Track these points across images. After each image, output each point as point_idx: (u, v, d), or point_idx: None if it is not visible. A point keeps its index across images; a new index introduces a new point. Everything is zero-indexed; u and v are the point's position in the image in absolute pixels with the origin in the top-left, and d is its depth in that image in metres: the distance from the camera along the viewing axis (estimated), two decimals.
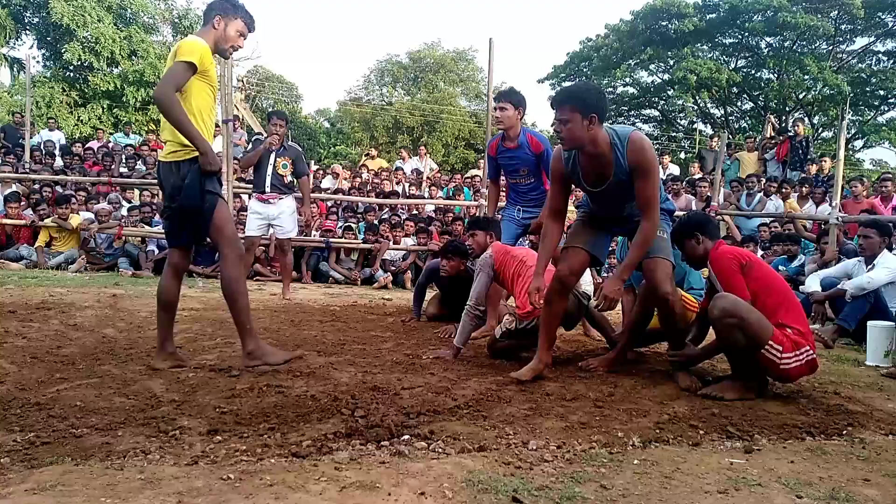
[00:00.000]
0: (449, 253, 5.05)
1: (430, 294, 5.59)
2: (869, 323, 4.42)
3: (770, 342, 2.94)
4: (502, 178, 4.93)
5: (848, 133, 22.53)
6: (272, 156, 6.17)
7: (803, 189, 9.05)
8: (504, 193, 5.07)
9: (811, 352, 3.02)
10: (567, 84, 3.39)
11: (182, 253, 3.29)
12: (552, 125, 2.98)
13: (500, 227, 4.59)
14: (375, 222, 8.90)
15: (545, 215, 3.46)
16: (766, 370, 3.02)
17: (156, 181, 4.01)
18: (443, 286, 5.45)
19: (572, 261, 3.22)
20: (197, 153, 2.98)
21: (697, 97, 25.81)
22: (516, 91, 4.67)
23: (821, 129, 26.18)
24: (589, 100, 2.81)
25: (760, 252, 7.63)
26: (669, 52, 24.84)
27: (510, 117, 4.54)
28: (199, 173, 3.00)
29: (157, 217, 8.62)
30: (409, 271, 8.31)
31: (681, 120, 30.01)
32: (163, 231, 3.63)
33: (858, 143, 25.83)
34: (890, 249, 5.24)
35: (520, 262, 3.84)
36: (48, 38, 20.04)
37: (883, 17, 22.61)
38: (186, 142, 2.96)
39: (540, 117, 69.70)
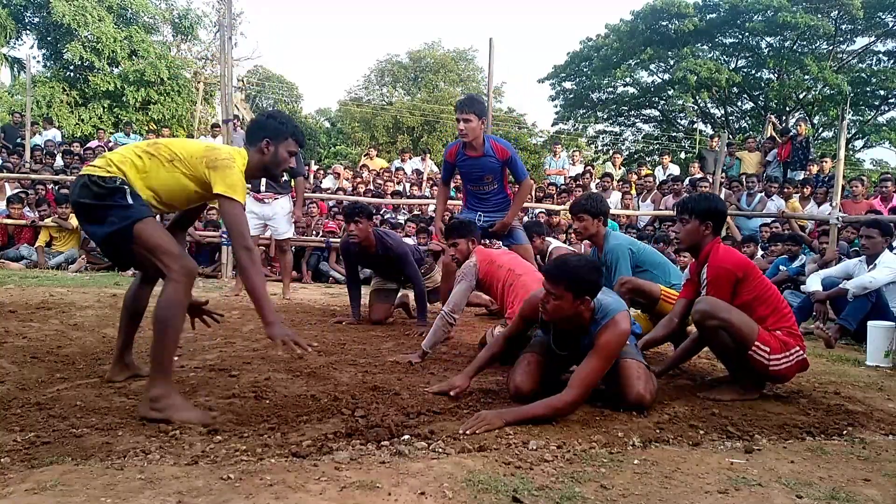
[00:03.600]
0: (354, 215, 4.69)
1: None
2: (869, 323, 4.42)
3: (758, 343, 2.93)
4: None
5: (848, 133, 22.54)
6: None
7: (805, 190, 9.06)
8: (461, 198, 5.01)
9: (801, 352, 3.03)
10: (566, 259, 3.28)
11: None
12: (543, 298, 2.71)
13: (479, 231, 4.42)
14: (376, 223, 8.90)
15: (503, 334, 3.13)
16: (758, 372, 3.01)
17: None
18: (369, 264, 5.13)
19: (529, 372, 2.86)
20: (112, 173, 2.53)
21: (697, 97, 25.80)
22: (478, 100, 4.63)
23: (821, 129, 26.16)
24: (584, 283, 2.61)
25: (760, 252, 7.63)
26: (669, 52, 24.83)
27: (474, 128, 4.45)
28: (103, 192, 2.51)
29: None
30: None
31: (681, 120, 30.00)
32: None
33: (859, 143, 25.80)
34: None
35: (508, 270, 3.80)
36: (49, 38, 20.03)
37: (883, 17, 22.60)
38: (112, 159, 2.58)
39: (541, 117, 69.73)
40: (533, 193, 10.29)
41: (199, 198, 2.75)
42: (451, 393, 2.82)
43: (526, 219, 9.60)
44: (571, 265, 2.66)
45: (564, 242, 7.29)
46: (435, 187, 10.97)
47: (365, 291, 5.29)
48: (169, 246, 2.52)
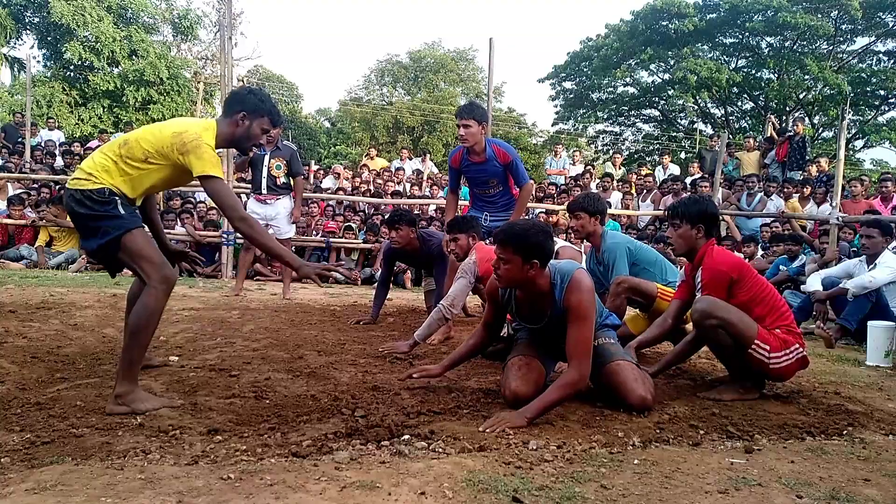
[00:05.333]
0: (395, 223, 4.77)
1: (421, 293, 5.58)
2: (869, 323, 4.42)
3: (757, 341, 2.93)
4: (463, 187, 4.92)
5: (848, 133, 22.52)
6: (266, 157, 6.20)
7: (805, 190, 9.06)
8: (468, 202, 5.06)
9: (801, 349, 3.03)
10: (514, 223, 2.96)
11: None
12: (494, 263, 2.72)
13: (480, 227, 4.45)
14: (377, 222, 8.91)
15: (482, 322, 3.10)
16: (758, 371, 3.01)
17: None
18: (411, 262, 5.23)
19: (523, 376, 2.77)
20: (99, 184, 2.58)
21: (697, 97, 25.80)
22: (478, 105, 4.64)
23: (821, 129, 26.17)
24: (531, 246, 2.59)
25: (761, 252, 7.63)
26: (669, 52, 24.83)
27: (474, 134, 4.46)
28: (96, 205, 2.58)
29: None
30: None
31: (681, 120, 30.01)
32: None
33: (859, 143, 25.80)
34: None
35: None
36: (48, 38, 20.04)
37: (883, 17, 22.60)
38: (92, 171, 2.62)
39: (540, 117, 69.74)
40: (533, 193, 10.29)
41: (183, 179, 2.80)
42: (416, 376, 2.90)
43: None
44: (519, 228, 2.65)
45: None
46: (435, 187, 11.00)
47: (397, 294, 5.30)
48: (151, 255, 2.61)
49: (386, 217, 9.15)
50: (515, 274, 2.64)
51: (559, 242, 5.68)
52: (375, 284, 5.35)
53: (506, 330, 3.58)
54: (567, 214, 8.37)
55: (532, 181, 5.09)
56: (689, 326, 3.56)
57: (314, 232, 9.10)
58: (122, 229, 2.57)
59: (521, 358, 2.87)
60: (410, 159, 13.59)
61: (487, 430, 2.34)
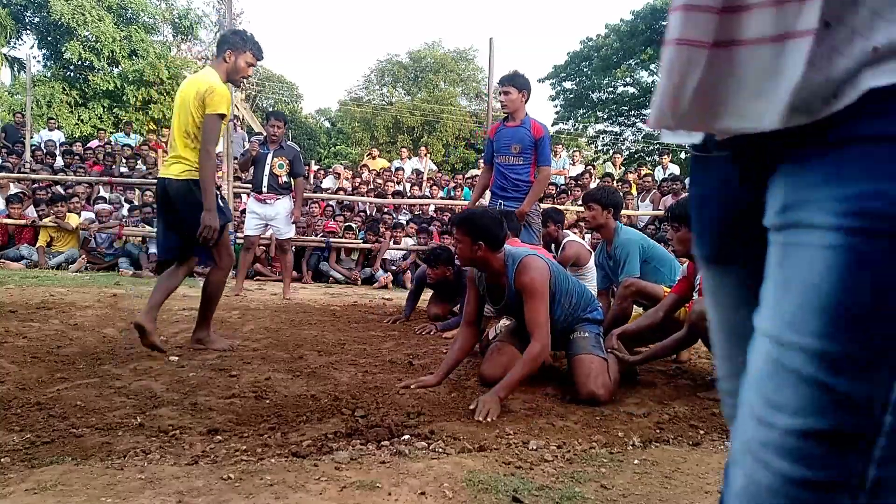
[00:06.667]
0: (432, 262, 5.06)
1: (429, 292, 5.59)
2: None
3: None
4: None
5: None
6: (269, 156, 6.19)
7: None
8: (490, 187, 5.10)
9: None
10: (470, 209, 4.06)
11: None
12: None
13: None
14: (376, 220, 8.92)
15: (463, 322, 3.19)
16: None
17: (155, 181, 4.06)
18: (437, 289, 5.45)
19: (492, 360, 3.11)
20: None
21: None
22: (520, 74, 4.70)
23: None
24: (478, 228, 2.86)
25: None
26: None
27: (514, 101, 4.58)
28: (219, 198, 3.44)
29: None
30: (409, 271, 8.31)
31: None
32: (166, 248, 3.70)
33: None
34: None
35: None
36: (48, 38, 20.03)
37: None
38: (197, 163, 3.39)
39: (541, 117, 69.73)
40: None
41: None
42: (413, 387, 2.92)
43: None
44: (471, 213, 3.04)
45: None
46: (435, 187, 10.99)
47: None
48: (228, 245, 3.61)
49: (390, 219, 9.21)
50: (467, 253, 2.91)
51: (570, 236, 5.74)
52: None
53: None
54: (567, 213, 8.36)
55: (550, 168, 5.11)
56: None
57: (314, 232, 9.09)
58: (226, 220, 3.47)
59: (496, 343, 3.18)
60: (410, 159, 13.58)
61: (479, 418, 2.46)
